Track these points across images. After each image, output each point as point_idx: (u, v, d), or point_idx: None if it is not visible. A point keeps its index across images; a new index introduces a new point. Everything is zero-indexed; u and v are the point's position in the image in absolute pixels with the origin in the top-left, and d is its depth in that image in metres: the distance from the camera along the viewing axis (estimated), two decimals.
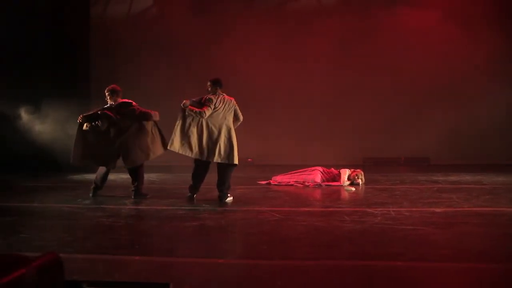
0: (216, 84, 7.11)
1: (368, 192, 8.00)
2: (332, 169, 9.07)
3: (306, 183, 8.74)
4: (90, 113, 7.43)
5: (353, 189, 8.29)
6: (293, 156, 12.28)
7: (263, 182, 9.18)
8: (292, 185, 8.81)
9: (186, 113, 6.99)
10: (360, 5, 13.00)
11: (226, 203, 6.99)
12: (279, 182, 9.00)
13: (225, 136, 7.01)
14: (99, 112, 7.35)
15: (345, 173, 8.81)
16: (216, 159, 6.96)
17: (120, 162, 7.38)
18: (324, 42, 12.65)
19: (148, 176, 10.24)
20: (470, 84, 12.52)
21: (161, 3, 13.87)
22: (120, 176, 9.24)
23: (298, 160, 11.51)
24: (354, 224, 5.43)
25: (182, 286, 3.44)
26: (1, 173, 10.26)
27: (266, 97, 12.75)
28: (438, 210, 6.19)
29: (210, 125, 6.98)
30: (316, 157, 11.47)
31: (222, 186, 7.12)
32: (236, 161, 7.03)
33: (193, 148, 6.95)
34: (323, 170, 8.96)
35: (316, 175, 8.80)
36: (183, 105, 7.00)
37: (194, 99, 7.09)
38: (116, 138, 7.26)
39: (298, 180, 8.87)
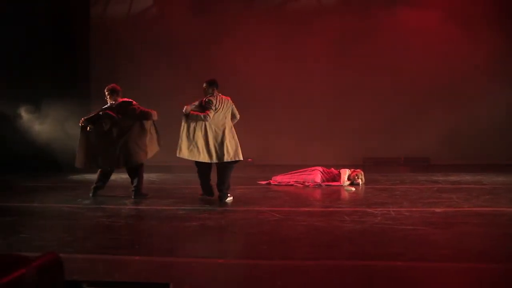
0: (213, 84, 7.13)
1: (368, 192, 8.00)
2: (332, 169, 9.07)
3: (306, 183, 8.74)
4: (91, 115, 7.43)
5: (353, 189, 8.29)
6: (293, 156, 12.27)
7: (263, 182, 9.18)
8: (292, 185, 8.81)
9: (189, 118, 7.00)
10: (360, 5, 12.99)
11: (226, 203, 7.00)
12: (279, 182, 9.00)
13: (228, 135, 7.09)
14: (100, 113, 7.35)
15: (345, 173, 8.81)
16: (226, 158, 7.02)
17: (121, 162, 7.38)
18: (324, 42, 12.65)
19: (148, 176, 10.25)
20: (470, 84, 12.51)
21: (161, 3, 13.87)
22: (120, 176, 9.24)
23: (298, 160, 11.51)
24: (354, 224, 5.43)
25: (182, 286, 3.44)
26: (1, 173, 10.26)
27: (266, 97, 12.75)
28: (438, 210, 6.19)
29: (213, 126, 7.02)
30: (316, 157, 11.47)
31: (222, 186, 7.13)
32: (241, 157, 7.18)
33: (201, 152, 6.98)
34: (323, 170, 8.96)
35: (316, 175, 8.80)
36: (184, 111, 7.02)
37: (194, 103, 7.12)
38: (118, 138, 7.26)
39: (298, 180, 8.87)
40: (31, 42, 11.11)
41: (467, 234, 5.00)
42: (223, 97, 7.15)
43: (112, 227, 5.60)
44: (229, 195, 7.14)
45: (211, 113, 6.93)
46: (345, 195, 7.87)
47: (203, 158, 6.98)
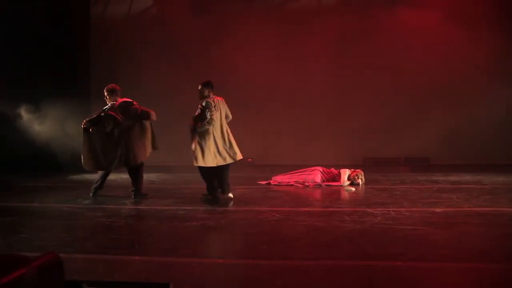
0: (209, 86, 7.16)
1: (368, 192, 8.00)
2: (332, 169, 9.07)
3: (306, 183, 8.74)
4: (93, 116, 7.42)
5: (353, 189, 8.29)
6: (293, 156, 12.27)
7: (263, 182, 9.18)
8: (292, 185, 8.81)
9: (199, 131, 7.02)
10: (360, 5, 12.99)
11: (229, 197, 7.08)
12: (279, 182, 9.00)
13: (229, 134, 7.22)
14: (102, 114, 7.35)
15: (345, 173, 8.81)
16: (239, 156, 7.24)
17: (122, 163, 7.38)
18: (324, 42, 12.64)
19: (148, 176, 10.25)
20: (470, 84, 12.51)
21: (161, 3, 13.86)
22: (120, 176, 9.24)
23: (298, 160, 11.50)
24: (354, 224, 5.43)
25: (182, 286, 3.44)
26: (1, 173, 10.26)
27: (266, 97, 12.74)
28: (438, 210, 6.19)
29: (218, 129, 7.10)
30: (316, 157, 11.46)
31: (225, 183, 7.20)
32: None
33: (217, 156, 7.08)
34: (323, 170, 8.96)
35: (316, 175, 8.80)
36: (190, 126, 7.04)
37: (194, 115, 7.12)
38: (119, 138, 7.27)
39: (298, 180, 8.87)
40: (31, 42, 11.10)
41: (467, 234, 5.00)
42: (218, 98, 7.18)
43: (112, 227, 5.60)
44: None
45: (215, 115, 6.98)
46: (345, 195, 7.87)
47: (219, 161, 7.09)
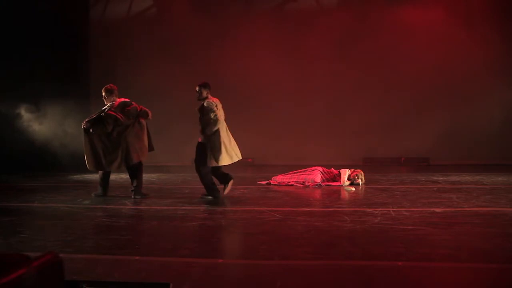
0: (207, 87, 7.20)
1: (368, 192, 8.00)
2: (332, 169, 9.07)
3: (306, 183, 8.74)
4: (93, 116, 7.42)
5: (353, 189, 8.29)
6: (293, 156, 12.28)
7: (263, 182, 9.18)
8: (292, 185, 8.81)
9: (209, 134, 7.06)
10: (360, 5, 13.00)
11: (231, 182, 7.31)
12: (279, 182, 9.00)
13: (230, 133, 7.30)
14: (102, 114, 7.34)
15: (345, 173, 8.80)
16: (240, 155, 7.36)
17: (122, 163, 7.38)
18: (324, 42, 12.65)
19: (148, 176, 10.26)
20: (470, 84, 12.52)
21: (161, 3, 13.87)
22: (120, 176, 9.25)
23: (298, 160, 11.52)
24: (354, 224, 5.43)
25: (182, 286, 3.44)
26: (1, 173, 10.26)
27: (266, 97, 12.75)
28: (438, 210, 6.19)
29: (223, 127, 7.16)
30: (316, 157, 11.47)
31: (223, 175, 7.36)
32: None
33: (227, 154, 7.16)
34: (323, 170, 8.96)
35: (316, 175, 8.80)
36: (202, 132, 7.07)
37: (200, 119, 7.13)
38: (120, 138, 7.27)
39: (298, 180, 8.87)
40: (31, 42, 11.11)
41: (467, 234, 5.00)
42: (214, 99, 7.23)
43: (112, 227, 5.59)
44: None
45: (219, 113, 7.03)
46: (345, 195, 7.87)
47: (228, 160, 7.18)
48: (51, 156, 10.57)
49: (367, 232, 5.08)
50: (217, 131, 7.05)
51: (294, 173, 9.08)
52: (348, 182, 8.72)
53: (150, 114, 7.52)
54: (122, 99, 7.45)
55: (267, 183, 9.10)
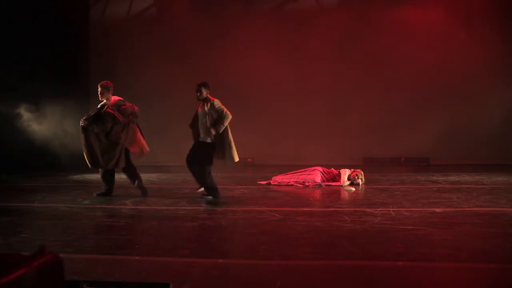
0: (207, 87, 7.25)
1: (368, 192, 8.00)
2: (332, 169, 9.07)
3: (306, 183, 8.74)
4: (91, 114, 7.41)
5: (353, 189, 8.29)
6: (293, 156, 12.29)
7: (263, 182, 9.18)
8: (292, 185, 8.81)
9: (221, 132, 7.11)
10: (360, 5, 13.01)
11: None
12: (279, 182, 9.00)
13: None
14: (100, 112, 7.33)
15: (345, 173, 8.81)
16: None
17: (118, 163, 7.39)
18: (324, 42, 12.66)
19: (148, 176, 10.25)
20: (470, 84, 12.52)
21: (161, 3, 13.87)
22: (120, 176, 9.23)
23: (298, 160, 11.52)
24: (354, 224, 5.43)
25: (182, 286, 3.44)
26: (1, 173, 10.26)
27: (266, 97, 12.75)
28: (438, 210, 6.19)
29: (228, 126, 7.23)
30: (316, 157, 11.48)
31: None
32: None
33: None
34: (323, 170, 8.96)
35: (316, 175, 8.79)
36: (213, 132, 7.10)
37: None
38: (118, 137, 7.28)
39: (298, 180, 8.86)
40: (31, 42, 11.11)
41: (467, 234, 5.00)
42: (214, 99, 7.26)
43: (112, 227, 5.59)
44: None
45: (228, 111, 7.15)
46: (345, 195, 7.87)
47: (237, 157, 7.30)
48: (51, 156, 10.57)
49: (367, 232, 5.08)
50: (226, 128, 7.12)
51: (294, 173, 9.08)
52: (348, 182, 8.72)
53: (139, 114, 7.56)
54: (117, 98, 7.46)
55: (267, 183, 9.10)
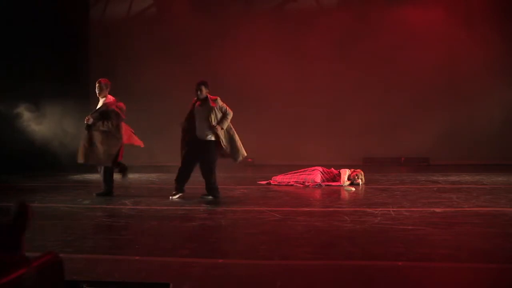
0: (207, 85, 7.27)
1: (368, 192, 8.00)
2: (332, 169, 9.07)
3: (306, 183, 8.74)
4: (96, 111, 7.40)
5: (353, 189, 8.29)
6: (293, 156, 12.28)
7: (263, 182, 9.18)
8: (292, 185, 8.81)
9: (225, 128, 7.18)
10: (360, 5, 13.01)
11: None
12: (279, 182, 9.00)
13: None
14: (108, 109, 7.34)
15: (345, 173, 8.80)
16: None
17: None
18: (324, 42, 12.65)
19: (148, 176, 10.26)
20: (470, 84, 12.52)
21: (161, 3, 13.87)
22: (119, 176, 9.22)
23: (298, 160, 11.51)
24: (354, 224, 5.43)
25: (182, 286, 3.44)
26: (1, 173, 10.26)
27: (266, 97, 12.75)
28: (438, 210, 6.19)
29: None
30: (316, 157, 11.47)
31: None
32: None
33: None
34: (323, 170, 8.96)
35: (316, 175, 8.79)
36: (219, 129, 7.12)
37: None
38: (119, 134, 7.33)
39: (298, 180, 8.86)
40: (31, 42, 11.11)
41: (467, 234, 5.00)
42: (213, 97, 7.30)
43: (112, 227, 5.60)
44: None
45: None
46: (345, 195, 7.87)
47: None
48: (51, 156, 10.56)
49: (367, 232, 5.08)
50: (230, 126, 7.24)
51: (294, 173, 9.08)
52: (348, 182, 8.72)
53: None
54: (111, 96, 7.51)
55: (267, 183, 9.10)
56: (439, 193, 7.68)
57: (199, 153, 7.18)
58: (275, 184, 8.99)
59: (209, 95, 7.20)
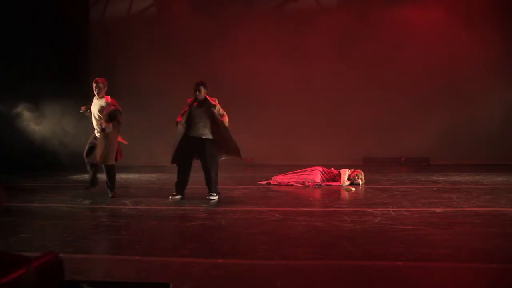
0: (206, 86, 7.25)
1: (368, 192, 8.00)
2: (332, 169, 9.07)
3: (306, 183, 8.74)
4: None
5: (353, 189, 8.29)
6: (293, 156, 12.28)
7: (263, 182, 9.18)
8: (292, 185, 8.81)
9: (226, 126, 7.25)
10: (360, 5, 13.01)
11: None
12: (279, 182, 9.00)
13: None
14: (114, 110, 7.36)
15: (345, 173, 8.81)
16: None
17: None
18: (324, 42, 12.65)
19: (148, 176, 10.27)
20: (470, 84, 12.53)
21: (161, 3, 13.87)
22: (120, 176, 9.23)
23: (298, 160, 11.52)
24: (354, 224, 5.43)
25: (182, 286, 3.44)
26: (1, 173, 10.25)
27: (266, 97, 12.75)
28: (438, 210, 6.19)
29: None
30: (316, 157, 11.48)
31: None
32: None
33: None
34: (323, 170, 8.96)
35: (316, 175, 8.79)
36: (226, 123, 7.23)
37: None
38: (117, 134, 7.41)
39: (298, 180, 8.87)
40: (31, 42, 11.11)
41: (467, 234, 5.00)
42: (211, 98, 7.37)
43: (112, 227, 5.60)
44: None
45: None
46: (345, 195, 7.87)
47: None
48: (51, 156, 10.57)
49: (367, 232, 5.08)
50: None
51: (294, 173, 9.08)
52: (348, 182, 8.72)
53: None
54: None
55: (267, 183, 9.10)
56: (439, 193, 7.68)
57: (196, 152, 7.20)
58: (275, 184, 8.99)
59: (207, 96, 7.21)
